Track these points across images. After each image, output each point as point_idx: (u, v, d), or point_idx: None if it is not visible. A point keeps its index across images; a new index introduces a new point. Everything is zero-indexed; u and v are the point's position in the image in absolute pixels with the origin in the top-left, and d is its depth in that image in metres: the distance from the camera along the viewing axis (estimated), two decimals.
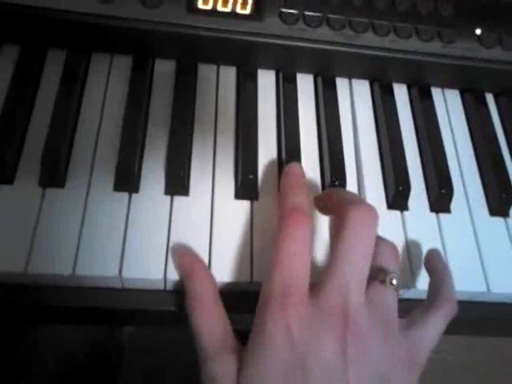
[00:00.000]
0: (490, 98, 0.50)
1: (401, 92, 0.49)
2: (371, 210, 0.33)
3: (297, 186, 0.37)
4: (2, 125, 0.38)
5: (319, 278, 0.32)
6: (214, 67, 0.46)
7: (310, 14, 0.44)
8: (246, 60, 0.46)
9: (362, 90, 0.48)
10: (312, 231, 0.38)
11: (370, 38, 0.45)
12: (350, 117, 0.46)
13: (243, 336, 0.32)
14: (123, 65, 0.44)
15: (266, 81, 0.46)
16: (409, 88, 0.49)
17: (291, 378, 0.29)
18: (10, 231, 0.35)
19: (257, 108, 0.44)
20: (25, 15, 0.40)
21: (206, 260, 0.36)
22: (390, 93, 0.48)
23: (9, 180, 0.37)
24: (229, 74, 0.46)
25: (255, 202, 0.40)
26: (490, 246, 0.41)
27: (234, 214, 0.39)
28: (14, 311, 0.37)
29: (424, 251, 0.40)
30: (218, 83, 0.45)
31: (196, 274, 0.35)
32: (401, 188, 0.41)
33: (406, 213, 0.42)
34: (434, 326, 0.34)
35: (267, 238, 0.37)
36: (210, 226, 0.38)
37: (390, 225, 0.40)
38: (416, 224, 0.41)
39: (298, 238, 0.33)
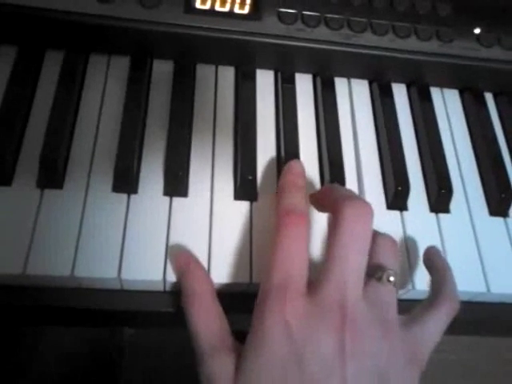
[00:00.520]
0: (489, 98, 0.50)
1: (400, 92, 0.48)
2: (365, 205, 0.33)
3: (296, 184, 0.37)
4: (0, 126, 0.38)
5: (317, 275, 0.32)
6: (213, 67, 0.46)
7: (309, 13, 0.44)
8: (245, 60, 0.45)
9: (360, 90, 0.48)
10: (309, 229, 0.38)
11: (368, 38, 0.45)
12: (349, 117, 0.46)
13: (242, 336, 0.32)
14: (121, 65, 0.44)
15: (265, 81, 0.46)
16: (408, 88, 0.49)
17: (289, 373, 0.29)
18: (8, 233, 0.35)
19: (255, 108, 0.44)
20: (22, 15, 0.40)
21: (205, 261, 0.36)
22: (389, 92, 0.48)
23: (7, 181, 0.37)
24: (227, 74, 0.46)
25: (254, 203, 0.40)
26: (489, 246, 0.41)
27: (233, 215, 0.39)
28: (14, 312, 0.37)
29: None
30: (217, 83, 0.45)
31: (192, 272, 0.35)
32: (400, 188, 0.41)
33: (405, 213, 0.42)
34: (435, 323, 0.34)
35: (266, 238, 0.37)
36: (209, 226, 0.38)
37: (389, 225, 0.40)
38: (415, 224, 0.41)
39: (296, 236, 0.33)
